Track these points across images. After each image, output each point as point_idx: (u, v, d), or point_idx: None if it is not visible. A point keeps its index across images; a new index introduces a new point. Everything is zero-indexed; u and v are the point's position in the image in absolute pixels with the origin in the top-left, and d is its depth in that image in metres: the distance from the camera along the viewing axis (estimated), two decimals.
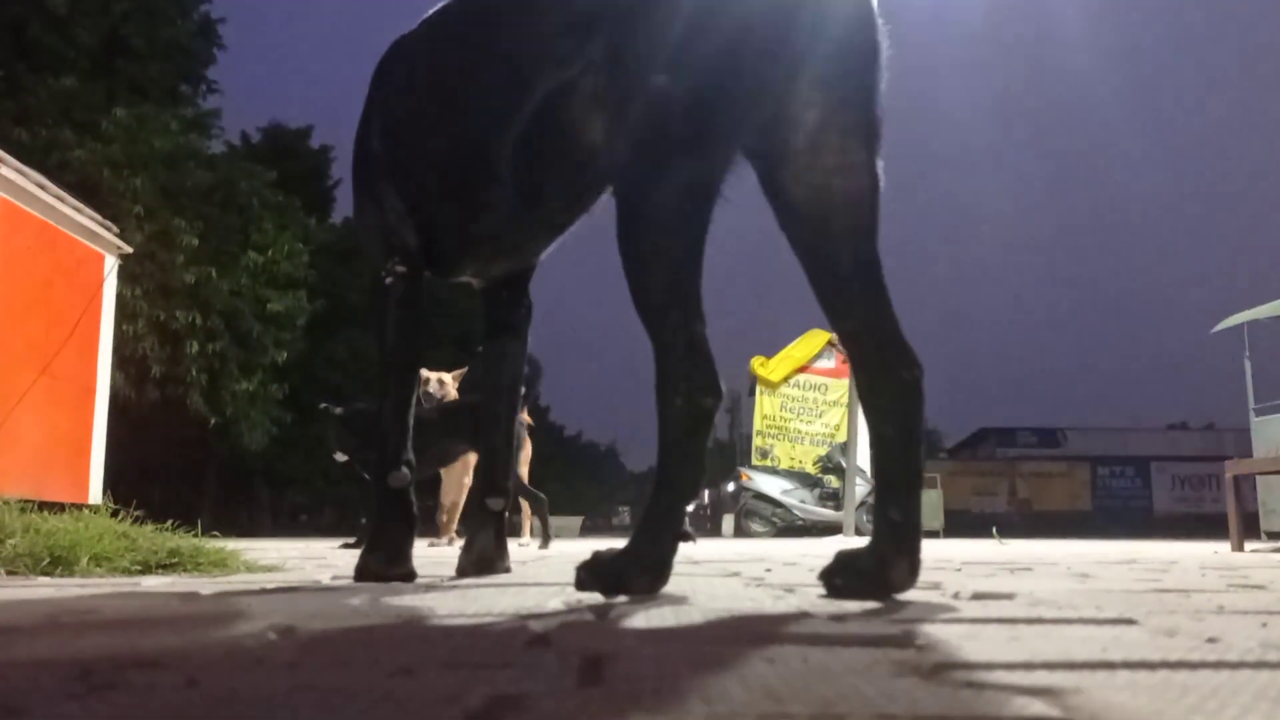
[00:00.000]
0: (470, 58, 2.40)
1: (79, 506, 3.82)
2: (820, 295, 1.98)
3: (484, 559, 2.73)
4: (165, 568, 2.83)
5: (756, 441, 18.58)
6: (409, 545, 2.58)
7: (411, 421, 2.64)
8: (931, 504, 16.81)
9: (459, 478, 7.58)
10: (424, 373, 7.67)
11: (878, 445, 1.91)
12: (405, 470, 2.58)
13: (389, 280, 2.58)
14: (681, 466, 1.93)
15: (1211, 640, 1.22)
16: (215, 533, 3.47)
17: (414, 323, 2.64)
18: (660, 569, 1.94)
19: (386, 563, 2.51)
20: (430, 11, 2.62)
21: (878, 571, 1.83)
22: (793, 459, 18.05)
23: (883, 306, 1.93)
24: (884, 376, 1.91)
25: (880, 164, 1.95)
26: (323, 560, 4.08)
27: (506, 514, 2.81)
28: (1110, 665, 1.02)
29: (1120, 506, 31.30)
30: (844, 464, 14.08)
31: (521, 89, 2.19)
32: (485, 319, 2.87)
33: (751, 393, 19.20)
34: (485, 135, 2.32)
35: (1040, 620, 1.47)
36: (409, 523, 2.59)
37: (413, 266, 2.61)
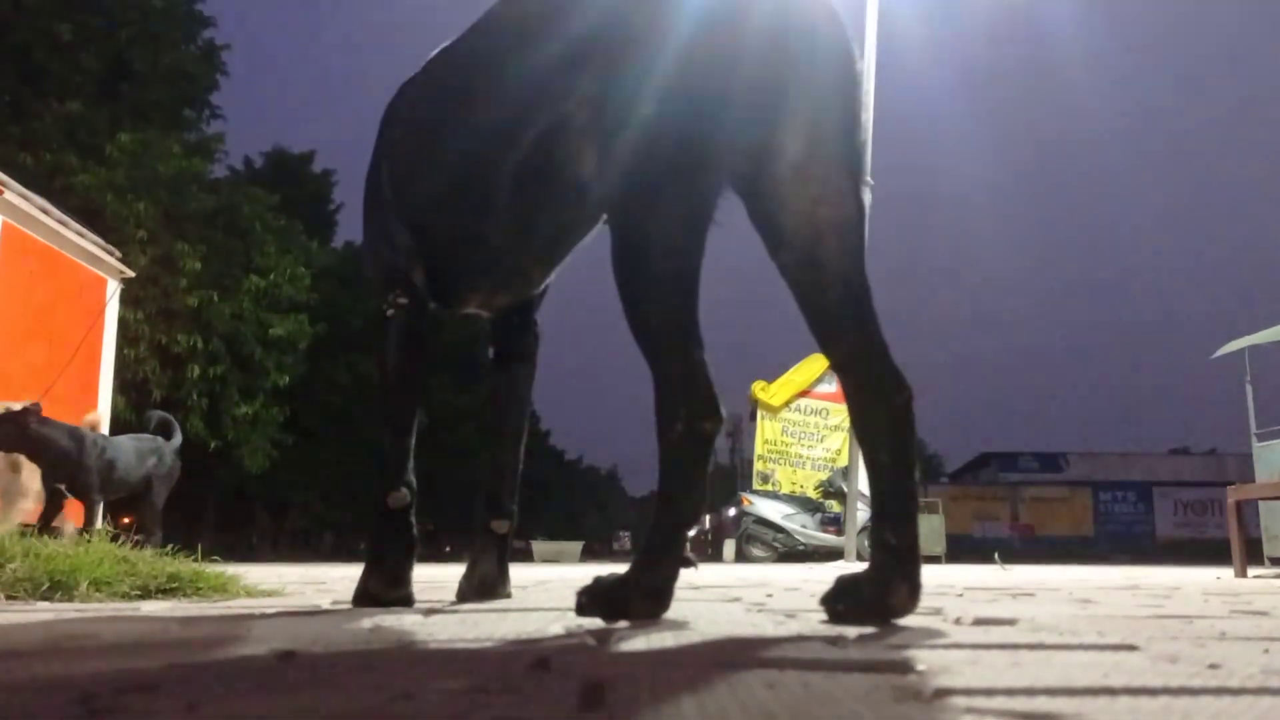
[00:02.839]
0: (472, 95, 2.45)
1: (79, 531, 3.81)
2: (811, 323, 2.00)
3: (486, 583, 2.72)
4: (165, 592, 2.82)
5: (758, 466, 18.56)
6: (408, 567, 2.58)
7: (412, 445, 2.66)
8: (933, 529, 16.74)
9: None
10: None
11: (872, 471, 1.91)
12: (405, 492, 2.59)
13: (390, 311, 2.64)
14: (682, 492, 1.93)
15: (1213, 666, 1.22)
16: (215, 557, 3.46)
17: (414, 351, 2.68)
18: (661, 594, 1.94)
19: (385, 584, 2.51)
20: (434, 52, 2.69)
21: (878, 597, 1.83)
22: (794, 483, 18.02)
23: (872, 333, 1.94)
24: (875, 402, 1.92)
25: (867, 192, 1.98)
26: (323, 584, 4.07)
27: (510, 538, 2.80)
28: (1111, 691, 1.02)
29: (1122, 531, 31.22)
30: (845, 489, 14.03)
31: (520, 125, 2.23)
32: (493, 345, 2.89)
33: (753, 417, 19.20)
34: (485, 171, 2.36)
35: (1042, 646, 1.46)
36: (408, 544, 2.59)
37: (415, 298, 2.66)
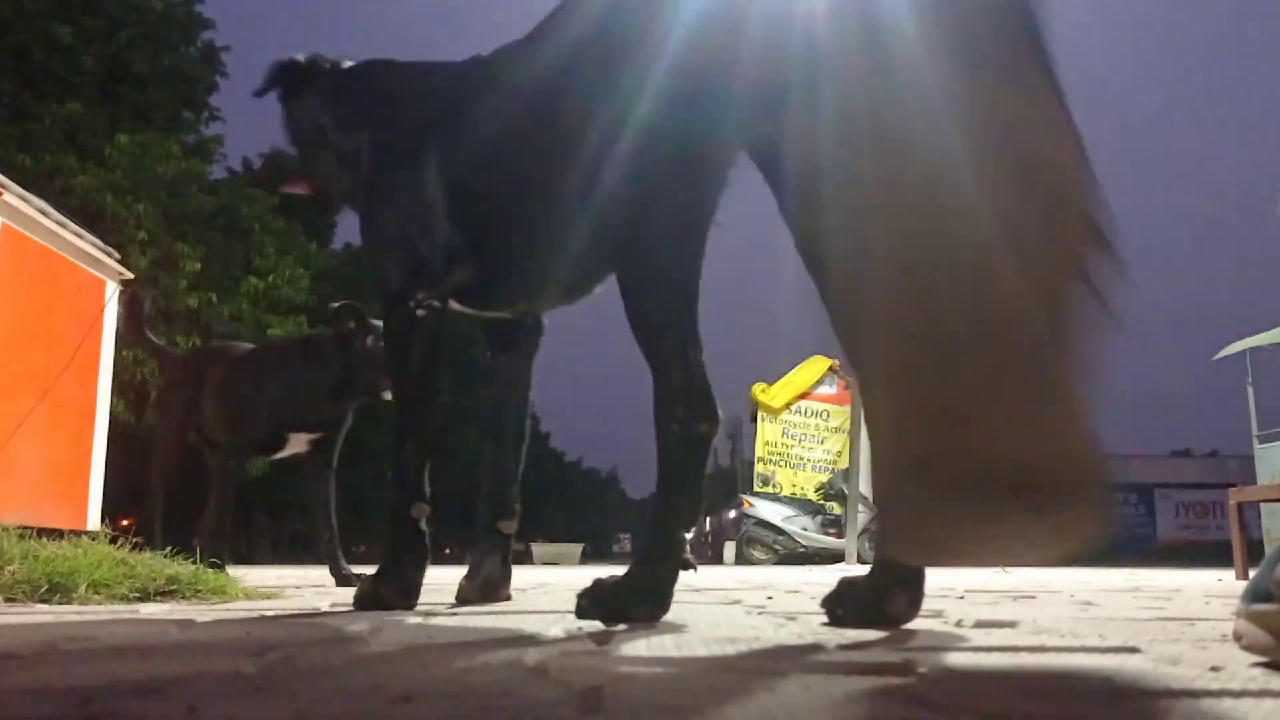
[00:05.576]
0: (524, 96, 2.35)
1: (77, 533, 3.81)
2: (833, 320, 1.96)
3: (490, 583, 2.69)
4: (164, 595, 2.81)
5: (758, 468, 18.55)
6: (420, 578, 2.54)
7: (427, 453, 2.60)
8: None
9: None
10: None
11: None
12: (425, 505, 2.54)
13: (420, 313, 2.51)
14: (680, 493, 1.93)
15: (1215, 669, 1.22)
16: (214, 560, 3.46)
17: (435, 355, 2.57)
18: (661, 597, 1.93)
19: (397, 594, 2.46)
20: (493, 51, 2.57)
21: (878, 601, 1.82)
22: (794, 486, 18.00)
23: None
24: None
25: None
26: (322, 587, 4.06)
27: (512, 539, 2.78)
28: (1113, 694, 1.02)
29: (1124, 534, 31.23)
30: (846, 491, 14.02)
31: (582, 130, 2.14)
32: (489, 337, 2.83)
33: (753, 419, 19.18)
34: (556, 172, 2.23)
35: (1043, 648, 1.46)
36: (423, 555, 2.54)
37: (443, 299, 2.55)
